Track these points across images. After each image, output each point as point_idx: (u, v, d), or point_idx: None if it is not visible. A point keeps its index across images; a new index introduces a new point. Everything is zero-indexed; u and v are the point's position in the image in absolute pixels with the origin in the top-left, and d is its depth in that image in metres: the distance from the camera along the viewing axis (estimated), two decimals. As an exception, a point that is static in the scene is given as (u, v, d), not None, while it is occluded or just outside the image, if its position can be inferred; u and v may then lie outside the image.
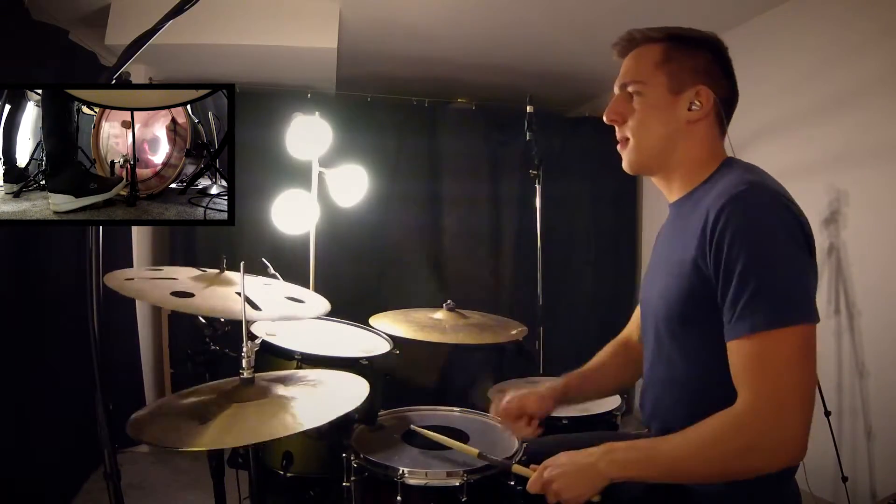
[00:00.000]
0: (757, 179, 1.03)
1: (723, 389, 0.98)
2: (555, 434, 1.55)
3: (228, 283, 1.54)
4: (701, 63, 1.14)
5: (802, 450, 0.92)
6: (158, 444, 1.01)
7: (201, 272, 1.59)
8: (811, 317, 0.95)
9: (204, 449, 1.02)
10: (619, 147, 1.21)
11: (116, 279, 1.36)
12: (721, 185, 1.05)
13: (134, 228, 3.14)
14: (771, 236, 0.96)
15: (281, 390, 1.20)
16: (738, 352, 0.97)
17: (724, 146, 1.19)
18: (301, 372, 1.39)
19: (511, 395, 1.41)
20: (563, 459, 1.09)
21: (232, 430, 1.06)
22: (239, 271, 1.30)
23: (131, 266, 3.03)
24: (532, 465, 1.16)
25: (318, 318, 1.87)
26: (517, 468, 1.23)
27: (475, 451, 1.29)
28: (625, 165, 1.21)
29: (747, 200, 0.98)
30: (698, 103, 1.13)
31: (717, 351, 1.00)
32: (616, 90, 1.20)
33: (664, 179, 1.21)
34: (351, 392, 1.22)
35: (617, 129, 1.20)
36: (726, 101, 1.16)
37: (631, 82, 1.16)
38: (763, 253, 0.95)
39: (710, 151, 1.16)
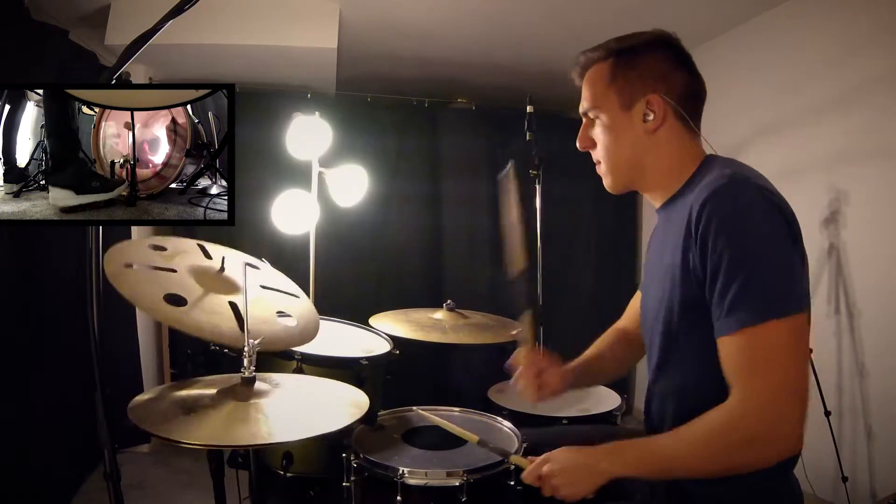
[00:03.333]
0: (737, 172, 1.03)
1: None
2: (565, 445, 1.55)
3: (226, 287, 1.45)
4: (649, 69, 1.14)
5: (799, 440, 0.92)
6: (158, 436, 1.01)
7: (203, 258, 1.50)
8: (800, 306, 0.95)
9: (201, 445, 1.01)
10: (597, 169, 1.25)
11: (115, 263, 1.28)
12: (703, 182, 1.05)
13: (134, 229, 3.14)
14: (754, 229, 0.96)
15: (280, 392, 1.20)
16: (729, 348, 0.96)
17: (701, 143, 1.18)
18: (302, 377, 1.38)
19: (539, 356, 1.41)
20: (564, 455, 1.09)
21: (230, 431, 1.06)
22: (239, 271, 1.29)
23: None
24: (530, 458, 1.16)
25: (318, 318, 1.87)
26: (515, 459, 1.24)
27: (475, 437, 1.30)
28: (606, 187, 1.24)
29: (728, 193, 0.98)
30: (651, 113, 1.13)
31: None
32: (582, 117, 1.23)
33: (646, 190, 1.23)
34: (350, 403, 1.22)
35: (591, 153, 1.23)
36: (687, 96, 1.14)
37: (589, 108, 1.19)
38: (747, 246, 0.95)
39: (683, 153, 1.15)
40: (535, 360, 1.39)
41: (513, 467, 1.32)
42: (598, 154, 1.21)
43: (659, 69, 1.14)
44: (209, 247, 1.58)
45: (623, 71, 1.15)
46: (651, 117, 1.13)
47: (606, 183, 1.23)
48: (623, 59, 1.15)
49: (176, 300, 1.30)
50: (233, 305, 1.34)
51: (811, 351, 1.28)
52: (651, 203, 1.27)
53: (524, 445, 1.39)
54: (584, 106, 1.21)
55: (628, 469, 1.03)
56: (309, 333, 1.46)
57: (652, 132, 1.14)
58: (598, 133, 1.19)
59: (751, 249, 0.95)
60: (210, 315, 1.31)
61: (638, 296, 1.40)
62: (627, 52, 1.16)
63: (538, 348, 1.43)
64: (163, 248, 1.50)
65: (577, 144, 1.24)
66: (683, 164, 1.15)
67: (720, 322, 0.97)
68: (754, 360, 0.93)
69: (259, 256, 1.88)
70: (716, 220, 0.96)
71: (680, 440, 1.00)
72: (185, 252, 1.52)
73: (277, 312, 1.47)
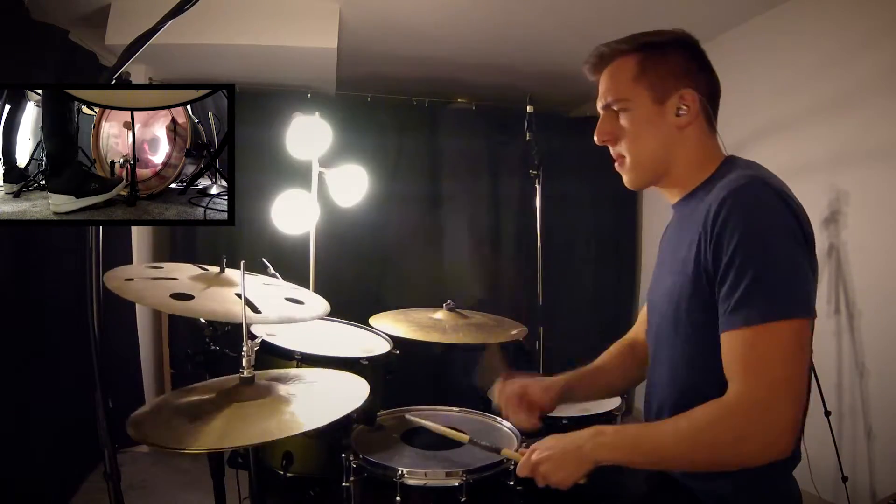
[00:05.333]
0: (757, 174, 1.04)
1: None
2: (554, 434, 1.55)
3: (228, 283, 1.53)
4: (677, 65, 1.13)
5: (790, 444, 0.92)
6: (158, 445, 1.01)
7: (201, 271, 1.58)
8: (806, 311, 0.95)
9: (203, 450, 1.02)
10: (616, 165, 1.21)
11: (116, 279, 1.35)
12: (723, 181, 1.05)
13: (134, 228, 3.14)
14: (769, 230, 0.97)
15: (281, 390, 1.20)
16: (730, 343, 0.97)
17: (718, 142, 1.19)
18: (301, 371, 1.38)
19: (515, 380, 1.40)
20: (550, 442, 1.10)
21: (231, 431, 1.06)
22: (239, 271, 1.29)
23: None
24: (521, 450, 1.16)
25: (319, 318, 1.87)
26: (506, 452, 1.24)
27: (465, 436, 1.31)
28: (626, 183, 1.22)
29: (747, 194, 0.99)
30: (685, 107, 1.12)
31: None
32: (600, 110, 1.20)
33: (665, 186, 1.22)
34: (351, 392, 1.22)
35: (611, 148, 1.20)
36: (710, 95, 1.15)
37: (614, 101, 1.16)
38: (760, 246, 0.96)
39: (705, 151, 1.16)
40: (512, 388, 1.37)
41: (511, 466, 1.32)
42: (620, 149, 1.18)
43: (688, 67, 1.14)
44: (206, 267, 1.63)
45: (654, 65, 1.13)
46: (684, 111, 1.12)
47: (629, 178, 1.20)
48: (653, 54, 1.14)
49: (182, 297, 1.35)
50: (240, 295, 1.37)
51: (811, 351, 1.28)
52: (666, 199, 1.25)
53: (523, 444, 1.39)
54: (607, 98, 1.17)
55: (612, 453, 1.02)
56: (319, 309, 1.57)
57: (683, 127, 1.13)
58: (624, 127, 1.16)
59: (763, 249, 0.96)
60: (221, 303, 1.36)
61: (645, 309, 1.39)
62: (657, 47, 1.15)
63: (512, 375, 1.42)
64: (159, 268, 1.56)
65: (596, 138, 1.20)
66: (705, 161, 1.15)
67: (724, 318, 0.97)
68: (753, 358, 0.93)
69: (258, 257, 1.88)
70: (732, 219, 0.97)
71: (668, 429, 1.00)
72: (183, 269, 1.58)
73: (286, 298, 1.54)
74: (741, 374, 0.94)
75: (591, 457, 1.03)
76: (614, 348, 1.49)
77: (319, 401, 1.20)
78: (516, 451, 1.35)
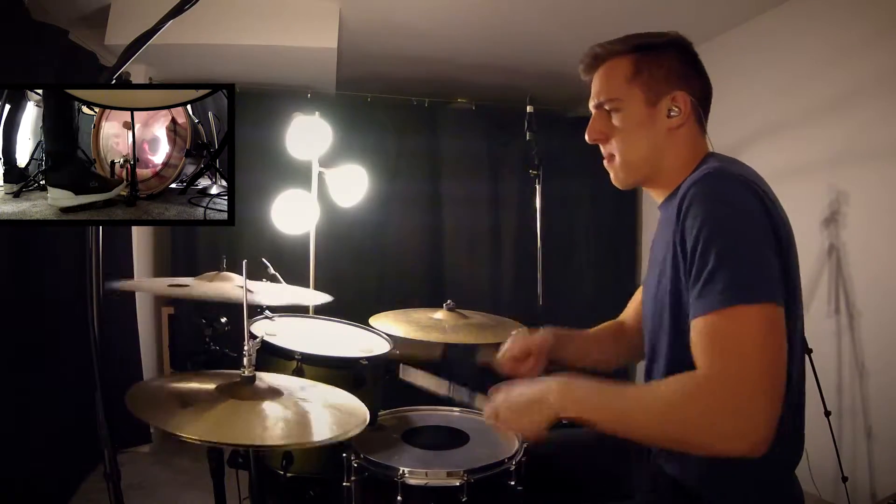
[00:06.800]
0: (720, 165, 1.04)
1: None
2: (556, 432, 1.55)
3: (228, 280, 1.55)
4: (671, 67, 1.14)
5: (767, 439, 0.86)
6: (154, 424, 1.01)
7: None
8: (772, 296, 0.92)
9: (191, 438, 1.00)
10: (605, 163, 1.22)
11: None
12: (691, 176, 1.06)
13: (134, 229, 3.14)
14: (728, 216, 0.96)
15: (280, 396, 1.20)
16: (697, 329, 0.95)
17: (707, 144, 1.19)
18: (303, 381, 1.38)
19: (511, 340, 1.39)
20: (515, 389, 1.08)
21: (225, 426, 1.06)
22: (238, 272, 1.30)
23: (131, 267, 3.05)
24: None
25: (318, 318, 1.87)
26: (480, 402, 1.22)
27: (445, 384, 1.29)
28: (615, 182, 1.22)
29: (707, 184, 0.99)
30: (676, 109, 1.12)
31: None
32: (592, 109, 1.21)
33: (653, 187, 1.22)
34: (348, 416, 1.21)
35: (601, 146, 1.21)
36: (702, 98, 1.16)
37: (607, 100, 1.17)
38: (720, 231, 0.95)
39: (693, 152, 1.16)
40: (512, 349, 1.37)
41: (513, 467, 1.33)
42: (611, 148, 1.18)
43: (681, 70, 1.14)
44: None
45: (648, 66, 1.13)
46: (675, 113, 1.12)
47: (617, 178, 1.21)
48: (648, 55, 1.14)
49: (179, 286, 1.36)
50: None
51: (811, 351, 1.28)
52: (653, 200, 1.26)
53: (524, 445, 1.40)
54: (599, 98, 1.18)
55: (577, 409, 1.00)
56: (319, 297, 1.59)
57: (673, 129, 1.13)
58: (615, 127, 1.17)
59: (723, 234, 0.95)
60: (216, 289, 1.38)
61: (639, 292, 1.40)
62: (651, 49, 1.15)
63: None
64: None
65: (587, 137, 1.20)
66: (692, 161, 1.15)
67: (693, 304, 0.96)
68: (721, 342, 0.91)
69: (258, 257, 1.88)
70: (693, 208, 0.97)
71: (638, 394, 0.98)
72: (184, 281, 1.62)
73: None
74: (709, 352, 0.91)
75: (555, 408, 1.01)
76: (605, 324, 1.51)
77: (314, 417, 1.19)
78: (518, 454, 1.36)
